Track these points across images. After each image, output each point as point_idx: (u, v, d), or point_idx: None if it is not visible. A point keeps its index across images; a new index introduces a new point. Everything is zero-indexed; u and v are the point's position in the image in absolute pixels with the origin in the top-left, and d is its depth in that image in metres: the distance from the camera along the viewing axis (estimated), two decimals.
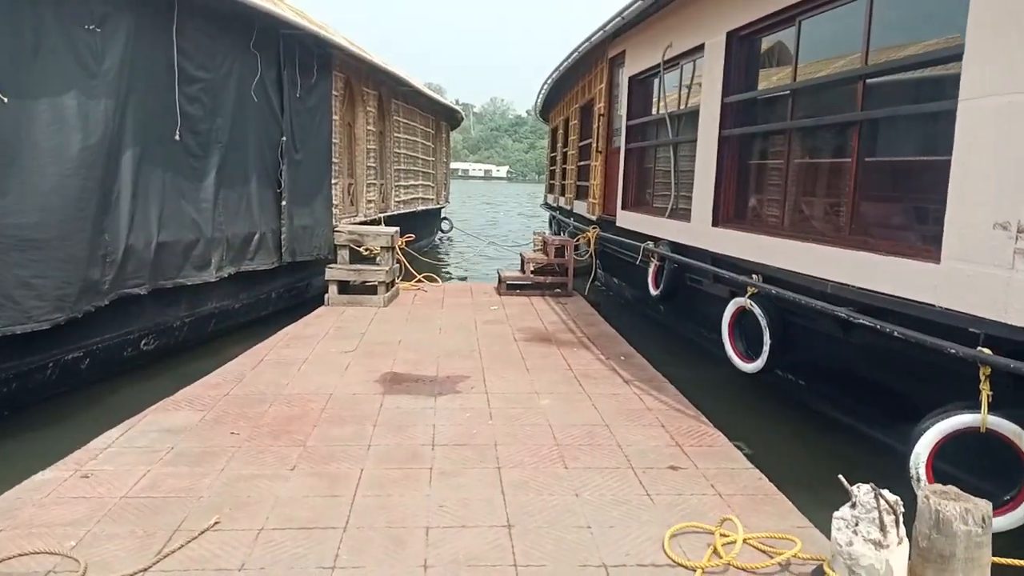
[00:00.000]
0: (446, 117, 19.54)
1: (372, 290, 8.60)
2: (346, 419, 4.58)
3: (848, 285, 4.44)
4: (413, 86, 13.40)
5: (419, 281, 10.25)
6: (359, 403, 4.91)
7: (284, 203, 8.17)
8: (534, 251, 10.63)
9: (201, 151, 6.81)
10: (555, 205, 17.25)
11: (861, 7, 4.50)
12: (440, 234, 21.31)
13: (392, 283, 9.05)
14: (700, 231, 6.69)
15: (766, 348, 5.39)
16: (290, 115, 8.26)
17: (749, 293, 5.54)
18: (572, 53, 11.36)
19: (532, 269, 9.66)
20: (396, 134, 13.39)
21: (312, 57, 8.75)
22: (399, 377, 5.55)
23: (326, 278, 8.53)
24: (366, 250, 8.90)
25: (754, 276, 5.58)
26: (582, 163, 13.45)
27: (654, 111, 8.58)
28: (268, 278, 8.20)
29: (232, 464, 3.85)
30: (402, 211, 13.87)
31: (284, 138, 8.07)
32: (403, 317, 7.93)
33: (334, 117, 9.54)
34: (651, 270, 7.79)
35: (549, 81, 14.98)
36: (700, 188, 6.69)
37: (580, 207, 12.78)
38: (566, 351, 6.53)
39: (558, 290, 9.68)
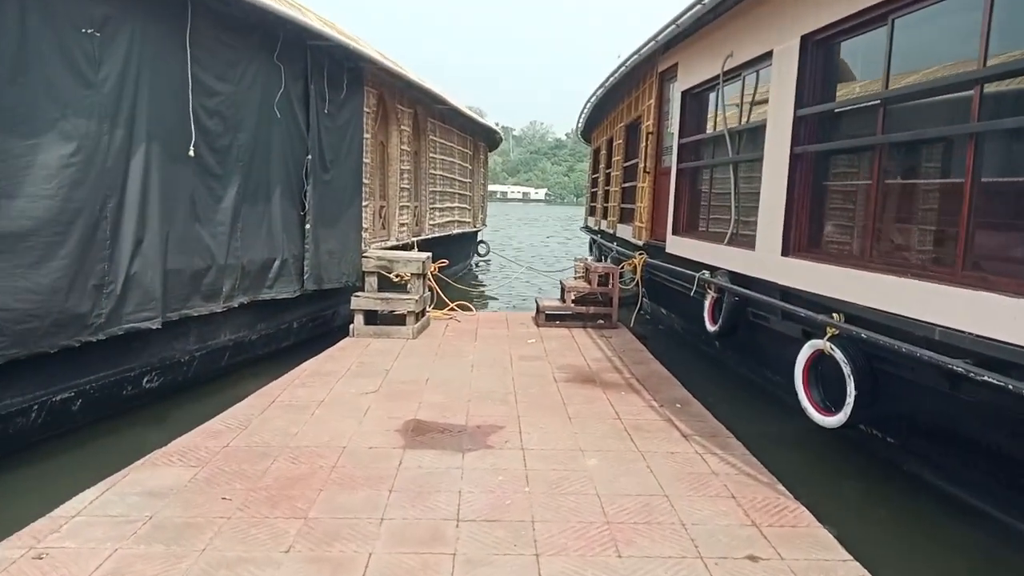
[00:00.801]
0: (485, 138, 19.04)
1: (401, 320, 8.00)
2: (358, 481, 3.94)
3: (962, 332, 3.67)
4: (450, 104, 12.90)
5: (451, 310, 9.64)
6: (375, 460, 4.26)
7: (308, 226, 7.63)
8: (575, 278, 9.94)
9: (220, 169, 6.30)
10: (596, 228, 16.56)
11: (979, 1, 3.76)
12: (476, 258, 20.76)
13: (423, 312, 8.45)
14: (767, 261, 5.94)
15: (850, 400, 4.61)
16: (317, 132, 7.75)
17: (829, 335, 4.78)
18: (619, 68, 10.72)
19: (573, 298, 8.97)
20: (432, 154, 12.87)
21: (342, 71, 8.25)
22: (423, 426, 4.89)
23: (352, 307, 7.96)
24: (396, 276, 8.33)
25: (835, 315, 4.82)
26: (627, 184, 12.75)
27: (710, 128, 7.88)
28: (290, 307, 7.65)
29: (217, 542, 3.22)
30: (437, 235, 13.32)
31: (310, 157, 7.55)
32: (433, 351, 7.29)
33: (365, 135, 9.02)
34: (707, 303, 7.05)
35: (593, 99, 14.35)
36: (767, 213, 5.96)
37: (624, 231, 12.07)
38: (613, 395, 5.81)
39: (601, 321, 8.97)
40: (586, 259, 10.01)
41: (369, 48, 8.48)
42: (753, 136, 6.73)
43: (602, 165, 16.24)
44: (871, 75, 5.12)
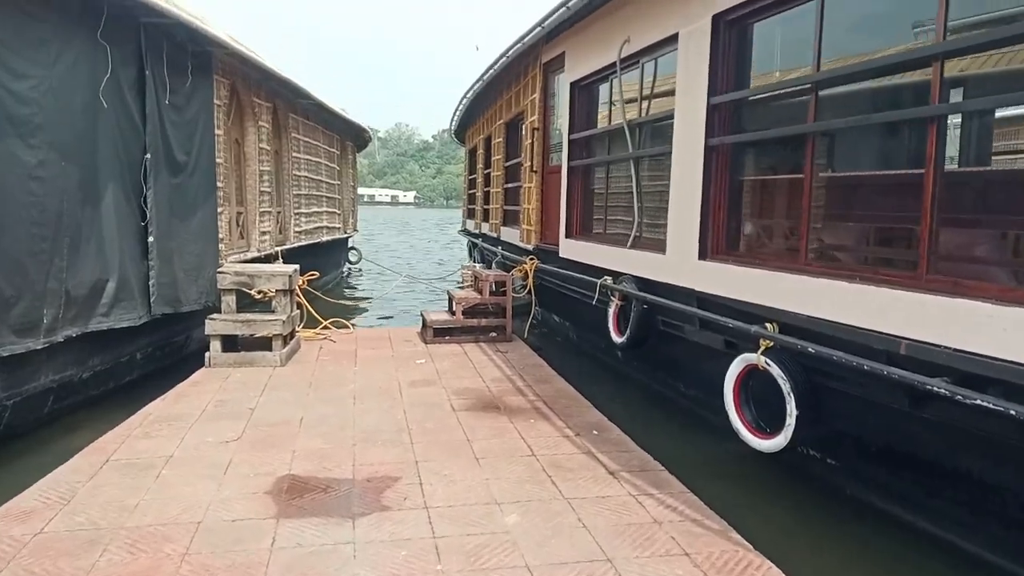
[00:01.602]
0: (352, 137, 17.94)
1: (266, 345, 6.97)
2: (218, 574, 3.03)
3: (936, 345, 3.24)
4: (314, 99, 11.82)
5: (325, 328, 8.66)
6: (240, 539, 3.35)
7: (152, 239, 6.47)
8: (463, 287, 9.21)
9: (42, 171, 5.09)
10: (477, 232, 15.91)
11: None
12: (348, 266, 19.60)
13: (292, 334, 7.45)
14: (680, 265, 5.45)
15: (791, 420, 4.15)
16: (159, 127, 6.59)
17: (763, 348, 4.31)
18: (498, 59, 10.09)
19: (463, 310, 8.23)
20: (295, 154, 11.75)
21: (186, 55, 7.11)
22: (300, 484, 4.00)
23: (206, 332, 6.85)
24: (259, 293, 7.28)
25: (768, 325, 4.35)
26: (510, 185, 12.17)
27: (604, 122, 7.36)
28: (131, 335, 6.45)
29: None
30: (304, 243, 12.19)
31: (149, 155, 6.38)
32: (306, 380, 6.34)
33: (217, 131, 7.89)
34: (611, 312, 6.51)
35: (468, 96, 13.69)
36: (679, 212, 5.46)
37: (510, 235, 11.47)
38: (521, 424, 5.13)
39: (494, 334, 8.29)
40: (473, 266, 9.30)
41: (218, 30, 7.38)
42: (657, 129, 6.25)
43: (480, 165, 15.61)
44: (793, 58, 4.70)
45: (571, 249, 7.96)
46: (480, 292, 8.52)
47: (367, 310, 13.29)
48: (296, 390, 6.00)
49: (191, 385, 6.15)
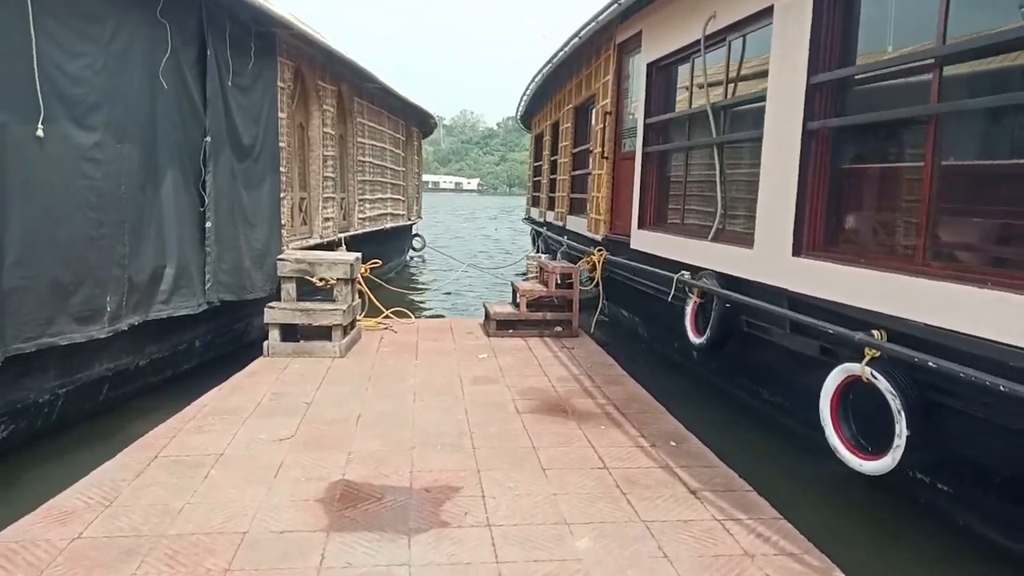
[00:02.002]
0: (418, 122, 17.74)
1: (326, 335, 6.76)
2: None
3: None
4: (380, 83, 11.60)
5: (387, 318, 8.43)
6: (287, 555, 3.08)
7: (210, 224, 6.30)
8: (528, 279, 8.86)
9: (98, 152, 4.94)
10: (541, 220, 15.52)
11: None
12: (411, 253, 19.49)
13: (352, 324, 7.23)
14: (770, 262, 4.96)
15: (900, 441, 3.66)
16: (223, 109, 6.42)
17: (868, 357, 3.82)
18: (570, 40, 9.65)
19: (527, 303, 7.87)
20: (360, 139, 11.56)
21: (249, 36, 6.92)
22: (354, 491, 3.72)
23: (265, 320, 6.67)
24: (320, 281, 7.07)
25: (876, 333, 3.86)
26: (577, 172, 11.74)
27: (685, 105, 6.87)
28: (190, 322, 6.31)
29: None
30: (367, 229, 12.02)
31: (208, 139, 6.21)
32: (365, 373, 6.09)
33: (280, 115, 7.70)
34: (689, 309, 6.05)
35: (537, 80, 13.30)
36: (770, 203, 4.98)
37: (576, 224, 11.05)
38: (591, 431, 4.75)
39: (559, 328, 7.91)
40: (539, 257, 8.94)
41: (282, 10, 7.16)
42: (744, 113, 5.75)
43: (546, 152, 15.21)
44: (908, 34, 4.17)
45: (644, 241, 7.51)
46: (545, 284, 8.16)
47: (429, 299, 13.08)
48: (354, 384, 5.76)
49: (248, 376, 5.97)
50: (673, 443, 4.56)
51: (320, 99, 9.26)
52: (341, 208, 10.70)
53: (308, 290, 7.31)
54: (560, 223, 12.50)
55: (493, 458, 4.22)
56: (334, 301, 7.00)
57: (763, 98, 5.12)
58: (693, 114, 6.60)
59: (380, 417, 4.93)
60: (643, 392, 5.70)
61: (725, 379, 6.20)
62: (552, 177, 14.34)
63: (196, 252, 6.19)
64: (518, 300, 8.04)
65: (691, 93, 6.69)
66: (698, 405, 5.97)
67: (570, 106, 11.81)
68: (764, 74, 5.22)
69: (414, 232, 19.29)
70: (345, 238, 10.17)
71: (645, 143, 7.51)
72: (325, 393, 5.50)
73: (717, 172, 5.88)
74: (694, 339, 5.90)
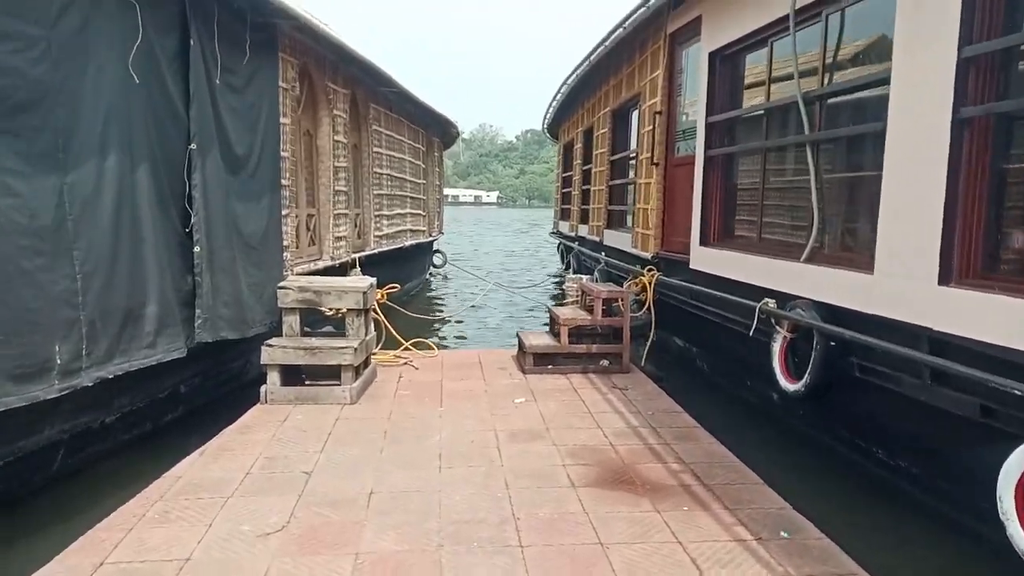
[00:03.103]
0: (439, 132, 16.78)
1: (335, 374, 5.73)
2: None
3: None
4: (399, 87, 10.62)
5: (406, 349, 7.39)
6: None
7: (199, 248, 5.31)
8: (567, 304, 7.78)
9: (25, 164, 3.93)
10: (573, 235, 14.47)
11: None
12: (432, 269, 18.49)
13: (366, 362, 6.19)
14: (902, 291, 3.85)
15: None
16: (209, 110, 5.45)
17: None
18: (611, 33, 8.60)
19: (569, 333, 6.79)
20: (377, 149, 10.58)
21: (243, 26, 5.95)
22: None
23: (262, 361, 5.65)
24: (330, 310, 6.06)
25: None
26: (616, 182, 10.68)
27: (763, 98, 5.79)
28: (173, 363, 5.30)
29: None
30: (385, 248, 11.02)
31: (194, 145, 5.22)
32: (380, 427, 5.04)
33: (283, 120, 6.72)
34: (777, 347, 4.95)
35: (570, 82, 12.28)
36: (900, 214, 3.87)
37: (616, 239, 9.97)
38: (672, 514, 3.65)
39: (606, 362, 6.82)
40: (580, 279, 7.86)
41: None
42: (848, 104, 4.66)
43: (577, 161, 14.17)
44: None
45: (707, 260, 6.42)
46: (589, 311, 7.07)
47: (453, 324, 11.97)
48: (367, 442, 4.71)
49: (239, 432, 4.94)
50: (784, 533, 3.45)
51: (331, 104, 8.28)
52: (355, 225, 9.71)
53: (315, 319, 6.33)
54: (596, 238, 11.43)
55: (549, 564, 3.13)
56: (345, 336, 5.98)
57: (883, 81, 4.02)
58: (773, 108, 5.52)
59: (398, 496, 3.86)
60: (725, 452, 4.59)
61: (826, 433, 5.05)
62: (585, 188, 13.29)
63: (181, 282, 5.19)
64: (558, 330, 6.97)
65: (768, 85, 5.60)
66: (795, 468, 4.85)
67: (607, 109, 10.76)
68: (879, 53, 4.14)
69: (435, 248, 18.30)
70: (360, 259, 9.17)
71: (707, 145, 6.43)
72: (330, 457, 4.45)
73: (812, 177, 4.78)
74: (786, 384, 4.78)
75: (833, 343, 4.35)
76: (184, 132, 5.18)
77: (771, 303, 5.00)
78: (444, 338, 10.80)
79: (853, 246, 4.50)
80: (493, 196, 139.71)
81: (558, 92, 14.06)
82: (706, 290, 6.15)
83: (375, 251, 10.25)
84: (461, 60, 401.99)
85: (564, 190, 17.15)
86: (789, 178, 5.37)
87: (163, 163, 5.00)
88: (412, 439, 4.81)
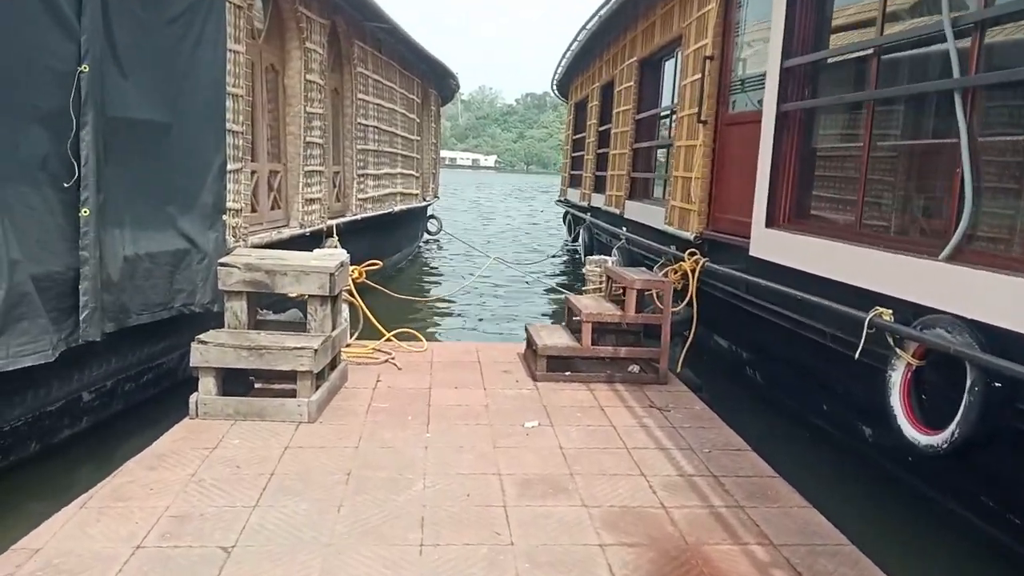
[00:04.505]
0: (437, 84, 15.30)
1: (290, 378, 4.43)
2: None
3: None
4: (391, 23, 9.17)
5: (387, 341, 6.09)
6: None
7: (87, 210, 3.96)
8: (590, 292, 6.47)
9: None
10: (585, 205, 13.10)
11: None
12: (426, 237, 17.14)
13: (333, 362, 4.88)
14: None
15: None
16: (110, 22, 4.05)
17: None
18: None
19: (592, 330, 5.49)
20: (362, 95, 9.15)
21: None
22: None
23: (192, 362, 4.33)
24: (295, 294, 4.77)
25: None
26: (643, 144, 9.30)
27: (863, 33, 4.41)
28: (68, 364, 4.00)
29: None
30: (369, 213, 9.63)
31: (85, 68, 3.83)
32: (342, 465, 3.75)
33: (232, 48, 5.33)
34: (898, 378, 3.63)
35: (590, 27, 10.83)
36: None
37: (643, 213, 8.64)
38: None
39: (635, 368, 5.56)
40: (605, 262, 6.53)
41: None
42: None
43: (592, 121, 12.76)
44: None
45: (774, 246, 5.09)
46: (618, 303, 5.77)
47: (447, 307, 10.56)
48: (321, 490, 3.43)
49: (147, 467, 3.64)
50: None
51: (303, 34, 6.85)
52: (334, 186, 8.35)
53: (273, 300, 5.05)
54: (614, 210, 10.06)
55: None
56: (307, 331, 4.66)
57: None
58: (888, 46, 4.15)
59: None
60: (826, 525, 3.30)
61: (975, 506, 3.72)
62: (601, 152, 11.89)
63: (52, 257, 3.85)
64: (578, 326, 5.65)
65: (882, 18, 4.21)
66: (927, 549, 3.56)
67: (633, 59, 9.35)
68: None
69: (429, 214, 16.91)
70: (338, 226, 7.82)
71: (782, 98, 5.06)
72: (265, 518, 3.15)
73: (964, 140, 3.42)
74: (916, 434, 3.47)
75: (998, 383, 3.05)
76: (73, 48, 3.79)
77: (887, 315, 3.69)
78: (435, 325, 9.47)
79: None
80: (491, 160, 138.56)
81: (573, 41, 12.63)
82: (775, 286, 4.84)
83: (357, 216, 8.88)
84: (460, 19, 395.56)
85: (575, 154, 15.72)
86: (915, 141, 4.02)
87: (39, 90, 3.62)
88: (385, 487, 3.51)
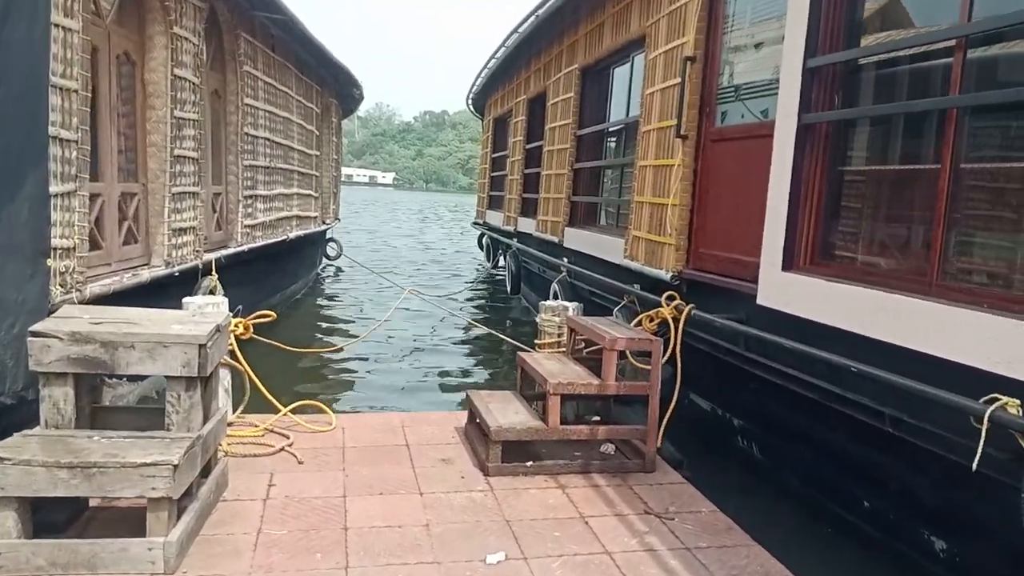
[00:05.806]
0: (338, 92, 13.87)
1: (133, 516, 3.03)
2: None
3: None
4: (289, 15, 7.78)
5: (284, 416, 4.72)
6: None
7: None
8: (545, 347, 5.27)
9: None
10: (509, 229, 11.93)
11: None
12: (325, 263, 15.63)
13: (207, 469, 3.49)
14: None
15: None
16: None
17: None
18: None
19: (562, 405, 4.28)
20: (251, 100, 7.70)
21: None
22: None
23: None
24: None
25: None
26: (584, 165, 8.24)
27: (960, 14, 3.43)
28: None
29: None
30: (260, 243, 8.14)
31: None
32: None
33: (60, 22, 3.89)
34: None
35: (522, 31, 9.74)
36: None
37: (588, 243, 7.55)
38: None
39: (609, 447, 4.42)
40: (563, 308, 5.34)
41: None
42: None
43: (518, 138, 11.66)
44: None
45: (800, 295, 4.04)
46: (581, 363, 4.61)
47: (354, 356, 8.91)
48: None
49: None
50: None
51: (170, 17, 5.41)
52: (214, 211, 6.86)
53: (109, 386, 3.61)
54: (552, 237, 8.92)
55: None
56: (165, 428, 3.27)
57: None
58: (978, 36, 3.16)
59: None
60: None
61: None
62: (531, 171, 10.78)
63: None
64: (540, 398, 4.44)
65: None
66: None
67: (574, 67, 8.29)
68: None
69: (328, 236, 15.37)
70: (219, 260, 6.35)
71: (804, 107, 4.03)
72: None
73: None
74: None
75: None
76: None
77: (1013, 406, 2.65)
78: (344, 382, 8.00)
79: None
80: (389, 177, 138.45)
81: (496, 52, 11.58)
82: (800, 347, 3.77)
83: (243, 248, 7.38)
84: (358, 33, 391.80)
85: (495, 173, 14.58)
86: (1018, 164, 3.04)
87: None
88: None
